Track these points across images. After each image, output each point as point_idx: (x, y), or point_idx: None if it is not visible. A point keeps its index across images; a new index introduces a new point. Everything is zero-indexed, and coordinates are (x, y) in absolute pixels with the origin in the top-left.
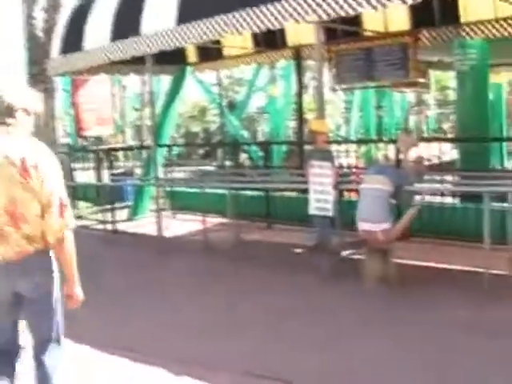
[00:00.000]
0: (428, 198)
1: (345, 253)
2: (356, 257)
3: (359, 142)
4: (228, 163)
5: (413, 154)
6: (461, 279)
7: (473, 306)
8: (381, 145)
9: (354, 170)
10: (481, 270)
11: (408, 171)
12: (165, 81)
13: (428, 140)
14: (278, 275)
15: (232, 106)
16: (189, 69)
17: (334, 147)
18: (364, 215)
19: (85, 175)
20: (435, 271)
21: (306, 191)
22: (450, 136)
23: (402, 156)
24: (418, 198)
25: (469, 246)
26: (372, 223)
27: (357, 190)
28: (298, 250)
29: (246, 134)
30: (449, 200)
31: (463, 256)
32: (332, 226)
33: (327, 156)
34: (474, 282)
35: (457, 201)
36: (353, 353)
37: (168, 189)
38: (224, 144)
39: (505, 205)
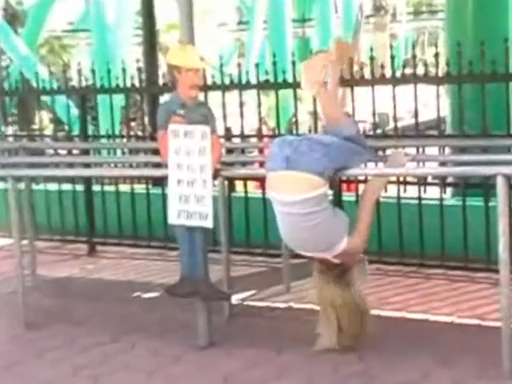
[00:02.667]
0: (393, 190)
1: (239, 296)
2: (261, 303)
3: (264, 87)
4: (11, 130)
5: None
6: (462, 340)
7: None
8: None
9: (255, 140)
10: (497, 323)
11: (347, 129)
12: None
13: (396, 81)
14: (99, 349)
15: (14, 19)
16: None
17: (215, 98)
18: (295, 244)
19: None
20: (409, 327)
21: (162, 182)
22: (435, 74)
23: (320, 102)
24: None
25: (473, 279)
26: (314, 252)
27: (261, 180)
28: (147, 295)
29: (45, 73)
30: (433, 192)
31: (462, 297)
32: (212, 247)
33: (202, 114)
34: (483, 344)
35: (448, 194)
36: None
37: None
38: (3, 93)
39: None
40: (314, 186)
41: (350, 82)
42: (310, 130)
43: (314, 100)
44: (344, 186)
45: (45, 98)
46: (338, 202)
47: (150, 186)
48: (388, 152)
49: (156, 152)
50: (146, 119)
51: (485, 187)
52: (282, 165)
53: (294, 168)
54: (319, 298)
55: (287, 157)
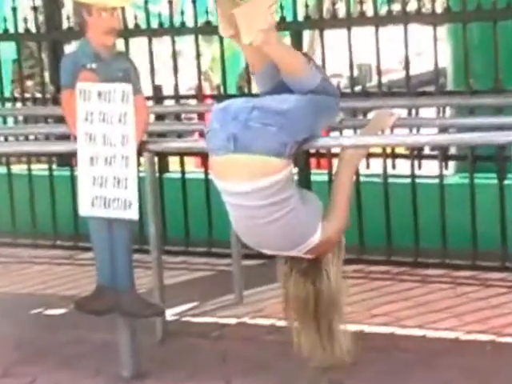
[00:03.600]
0: (378, 165)
1: (176, 310)
2: (205, 319)
3: (204, 31)
4: None
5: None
6: (471, 362)
7: None
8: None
9: (194, 102)
10: None
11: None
12: None
13: (379, 21)
14: None
15: None
16: None
17: (139, 47)
18: (253, 242)
19: None
20: (402, 346)
21: (69, 160)
22: (431, 10)
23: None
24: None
25: (484, 281)
26: (280, 251)
27: (202, 156)
28: (52, 311)
29: None
30: (430, 168)
31: (470, 305)
32: (138, 245)
33: (121, 68)
34: (498, 366)
35: (450, 169)
36: None
37: None
38: None
39: None
40: (270, 170)
41: (318, 23)
42: None
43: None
44: (313, 161)
45: None
46: (305, 182)
47: (53, 166)
48: (370, 115)
49: (60, 120)
50: (47, 76)
51: (498, 160)
52: (229, 146)
53: (244, 150)
54: (292, 301)
55: (234, 135)
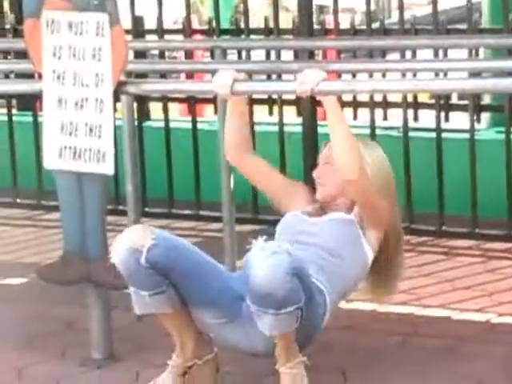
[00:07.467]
0: (397, 116)
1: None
2: None
3: None
4: None
5: None
6: (504, 351)
7: None
8: None
9: (180, 37)
10: None
11: None
12: None
13: None
14: None
15: None
16: None
17: None
18: None
19: None
20: (422, 330)
21: (32, 103)
22: None
23: None
24: None
25: None
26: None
27: (189, 101)
28: (9, 281)
29: None
30: (459, 120)
31: (503, 283)
32: (114, 206)
33: None
34: None
35: (483, 122)
36: None
37: None
38: None
39: None
40: None
41: None
42: (266, 24)
43: None
44: (320, 111)
45: None
46: (312, 135)
47: (13, 111)
48: (389, 57)
49: (22, 55)
50: (5, 3)
51: None
52: None
53: None
54: None
55: None
